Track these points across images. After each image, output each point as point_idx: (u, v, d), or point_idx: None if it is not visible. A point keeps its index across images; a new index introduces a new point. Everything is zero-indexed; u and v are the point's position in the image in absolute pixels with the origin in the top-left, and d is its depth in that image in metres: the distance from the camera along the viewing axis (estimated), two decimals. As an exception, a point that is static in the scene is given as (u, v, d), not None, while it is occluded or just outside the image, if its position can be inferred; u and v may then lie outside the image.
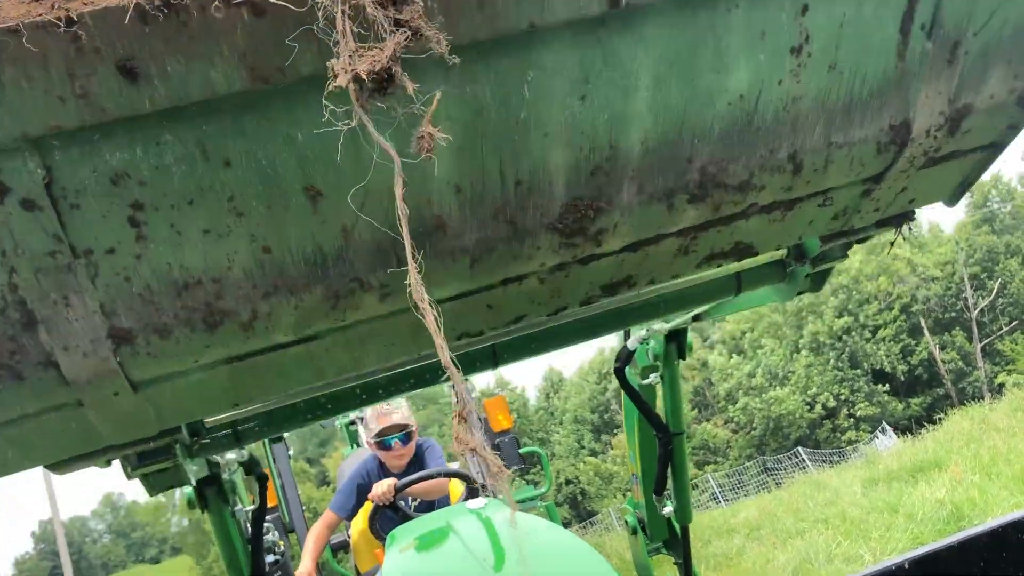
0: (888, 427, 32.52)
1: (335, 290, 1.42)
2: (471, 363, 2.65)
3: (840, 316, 37.16)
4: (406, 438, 4.35)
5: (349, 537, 4.82)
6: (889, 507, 9.11)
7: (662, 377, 3.36)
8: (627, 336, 3.42)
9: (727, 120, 1.48)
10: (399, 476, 4.16)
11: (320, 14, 1.08)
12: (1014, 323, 36.69)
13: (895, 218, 2.04)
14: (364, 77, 1.06)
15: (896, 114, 1.63)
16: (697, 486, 32.74)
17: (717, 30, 1.37)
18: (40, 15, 1.03)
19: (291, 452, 6.46)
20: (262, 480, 2.74)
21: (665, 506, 3.57)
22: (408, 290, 1.15)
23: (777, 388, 37.28)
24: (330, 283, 1.41)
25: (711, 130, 1.49)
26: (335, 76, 1.07)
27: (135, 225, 1.22)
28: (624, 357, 3.40)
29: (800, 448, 32.84)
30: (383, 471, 4.41)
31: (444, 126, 1.23)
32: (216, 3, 1.05)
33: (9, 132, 1.07)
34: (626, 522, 3.99)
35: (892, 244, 2.31)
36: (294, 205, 1.28)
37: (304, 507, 6.15)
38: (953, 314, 37.72)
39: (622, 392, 3.56)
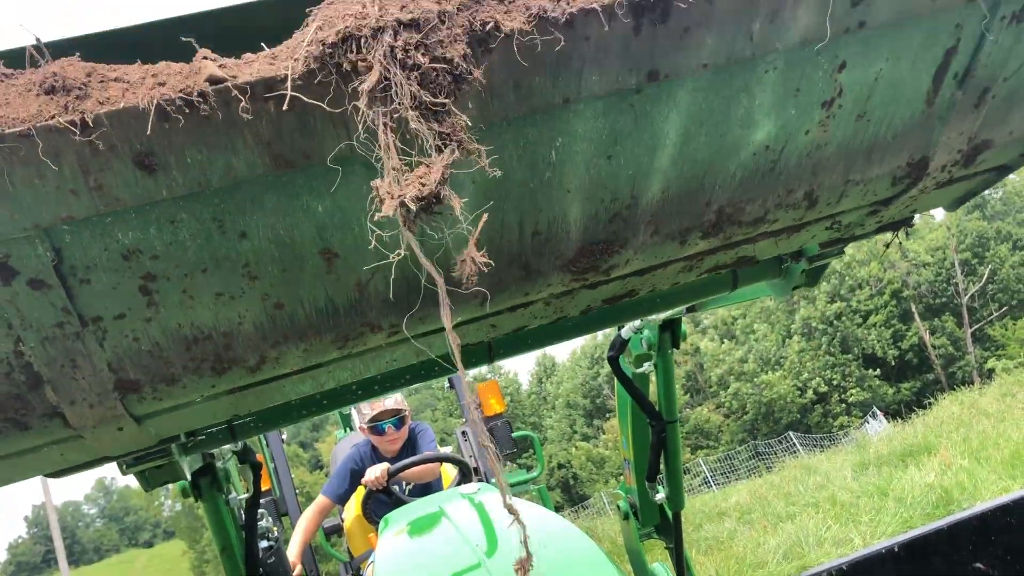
0: (879, 412, 32.71)
1: (345, 334, 1.42)
2: (467, 358, 2.65)
3: (832, 301, 37.29)
4: (399, 423, 4.36)
5: (343, 521, 4.84)
6: (879, 491, 9.19)
7: (655, 365, 3.37)
8: (621, 324, 3.43)
9: (750, 168, 1.48)
10: (392, 461, 4.17)
11: (360, 124, 1.04)
12: (1004, 309, 36.88)
13: (895, 223, 2.07)
14: (412, 206, 1.02)
15: (915, 152, 1.64)
16: (689, 470, 32.93)
17: (751, 90, 1.36)
18: (53, 117, 0.97)
19: (284, 436, 6.47)
20: (256, 468, 2.74)
21: (657, 492, 3.59)
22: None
23: (769, 373, 37.44)
24: (341, 329, 1.40)
25: (733, 177, 1.49)
26: (380, 199, 1.02)
27: (146, 293, 1.19)
28: (618, 345, 3.40)
29: (791, 433, 33.02)
30: (376, 456, 4.42)
31: (467, 188, 1.22)
32: (243, 102, 1.00)
33: (19, 224, 1.03)
34: (618, 507, 4.01)
35: (887, 245, 2.33)
36: (310, 267, 1.26)
37: (297, 491, 6.17)
38: (944, 299, 37.89)
39: (615, 379, 3.57)
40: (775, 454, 30.55)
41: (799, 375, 37.01)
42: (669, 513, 3.71)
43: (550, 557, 2.48)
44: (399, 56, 1.03)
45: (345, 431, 7.02)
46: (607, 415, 42.91)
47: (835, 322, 37.11)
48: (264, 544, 3.15)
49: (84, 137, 0.97)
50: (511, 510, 1.23)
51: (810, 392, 36.62)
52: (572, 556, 2.51)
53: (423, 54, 1.04)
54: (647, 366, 3.43)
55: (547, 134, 1.25)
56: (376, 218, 1.03)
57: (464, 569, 2.44)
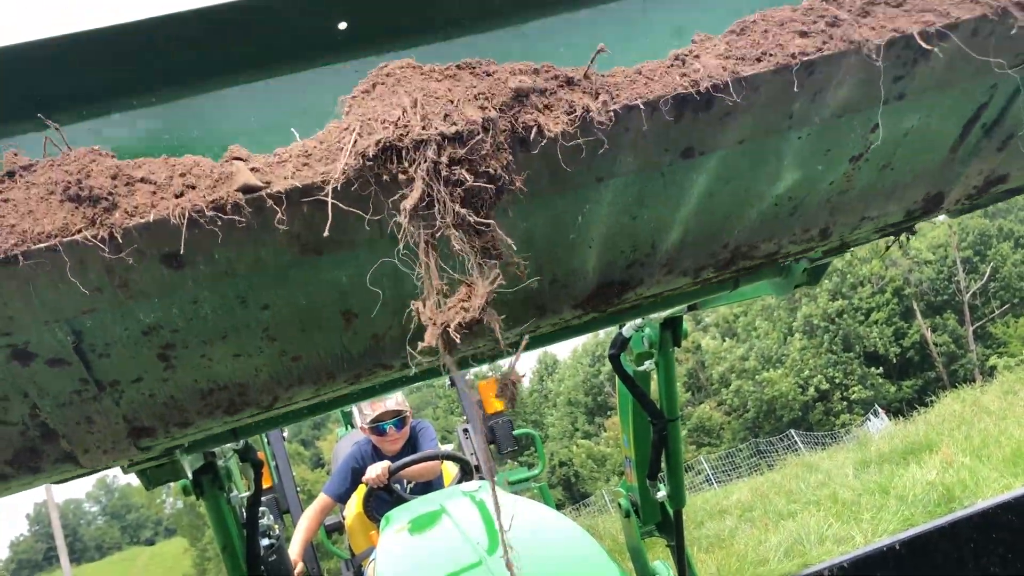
0: (880, 409, 32.68)
1: (358, 373, 1.44)
2: (467, 358, 2.67)
3: (834, 299, 37.25)
4: (400, 423, 4.36)
5: (344, 519, 4.84)
6: (881, 489, 9.18)
7: (657, 363, 3.37)
8: (622, 323, 3.42)
9: (769, 214, 1.50)
10: (393, 459, 4.17)
11: (401, 242, 1.02)
12: (1006, 306, 36.84)
13: (897, 231, 2.09)
14: (456, 336, 1.00)
15: (932, 189, 1.66)
16: (692, 467, 32.93)
17: (781, 152, 1.36)
18: (79, 231, 0.94)
19: (285, 434, 6.48)
20: (257, 467, 2.74)
21: (658, 490, 3.59)
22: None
23: (770, 371, 37.42)
24: (355, 370, 1.42)
25: (752, 222, 1.50)
26: (422, 322, 1.01)
27: (164, 360, 1.19)
28: (619, 343, 3.40)
29: (793, 431, 33.00)
30: (377, 455, 4.42)
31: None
32: (279, 213, 0.98)
33: (40, 318, 1.02)
34: (619, 505, 4.01)
35: (888, 246, 2.34)
36: (328, 326, 1.27)
37: (299, 489, 6.17)
38: (945, 297, 37.85)
39: (616, 377, 3.57)
40: (776, 452, 30.53)
41: (801, 373, 36.98)
42: (670, 511, 3.71)
43: (551, 555, 2.48)
44: (443, 173, 1.01)
45: (346, 428, 7.02)
46: (608, 413, 42.90)
47: (837, 320, 37.08)
48: (265, 542, 3.15)
49: (113, 253, 0.95)
50: (498, 505, 1.23)
51: (812, 390, 36.58)
52: (573, 554, 2.51)
53: (467, 169, 1.02)
54: (648, 364, 3.43)
55: (576, 204, 1.26)
56: (419, 348, 1.02)
57: (465, 567, 2.44)
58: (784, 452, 29.15)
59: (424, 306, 1.02)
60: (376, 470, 3.96)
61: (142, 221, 0.95)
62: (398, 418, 4.34)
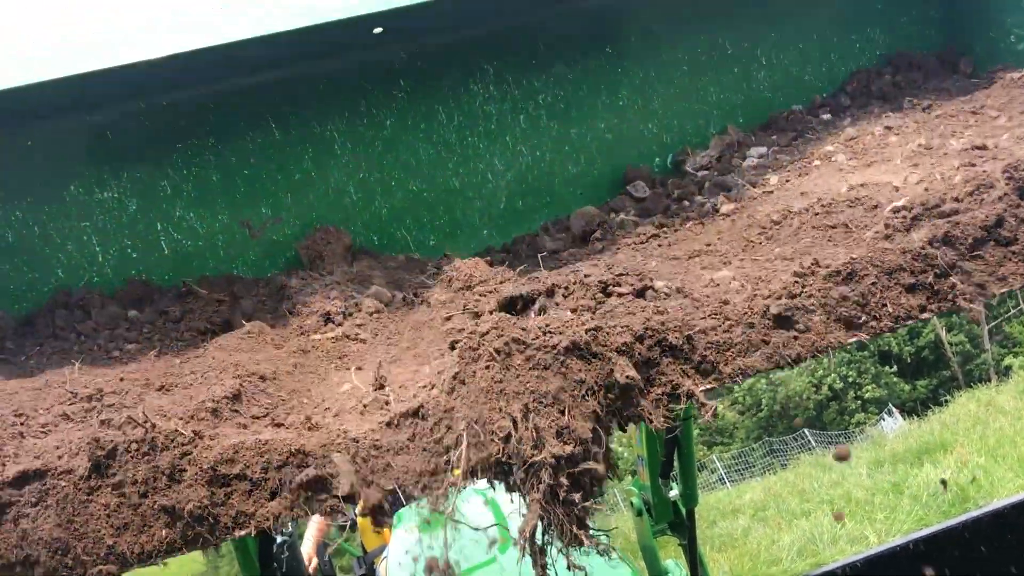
0: (894, 409, 32.48)
1: None
2: None
3: (847, 298, 37.03)
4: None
5: (356, 516, 4.85)
6: (894, 489, 9.13)
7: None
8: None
9: None
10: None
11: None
12: (1022, 305, 36.54)
13: None
14: None
15: None
16: (704, 466, 32.84)
17: None
18: None
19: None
20: None
21: (671, 489, 3.58)
22: None
23: (784, 369, 37.22)
24: None
25: None
26: None
27: None
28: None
29: (807, 430, 32.84)
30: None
31: None
32: None
33: None
34: (631, 503, 4.01)
35: None
36: None
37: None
38: (961, 296, 37.54)
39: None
40: (790, 451, 30.39)
41: (814, 372, 36.81)
42: (683, 510, 3.70)
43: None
44: (560, 496, 1.04)
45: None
46: (621, 412, 42.78)
47: (850, 319, 36.85)
48: (279, 539, 3.17)
49: None
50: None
51: (825, 389, 36.40)
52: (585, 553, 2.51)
53: (579, 486, 1.05)
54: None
55: None
56: None
57: (478, 564, 2.45)
58: (797, 451, 29.02)
59: None
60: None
61: None
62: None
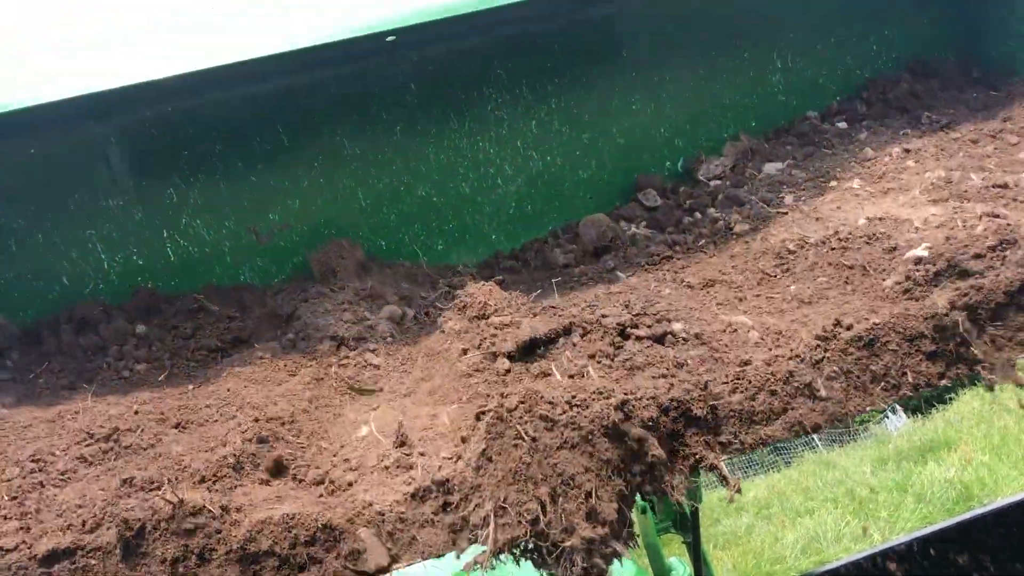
0: (898, 406, 32.42)
1: None
2: None
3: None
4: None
5: None
6: (898, 487, 9.14)
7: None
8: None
9: None
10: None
11: None
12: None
13: None
14: None
15: None
16: (707, 464, 32.75)
17: None
18: None
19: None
20: None
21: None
22: None
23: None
24: None
25: None
26: None
27: None
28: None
29: (810, 427, 32.70)
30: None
31: None
32: None
33: None
34: (635, 501, 4.03)
35: None
36: None
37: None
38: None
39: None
40: (793, 448, 30.34)
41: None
42: (687, 508, 3.73)
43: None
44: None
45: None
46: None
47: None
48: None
49: None
50: None
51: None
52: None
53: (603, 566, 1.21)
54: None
55: None
56: None
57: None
58: (801, 449, 28.96)
59: None
60: None
61: None
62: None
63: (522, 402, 1.26)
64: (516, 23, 2.98)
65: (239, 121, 2.90)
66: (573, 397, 1.36)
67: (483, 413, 1.34)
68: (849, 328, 1.82)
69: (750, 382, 1.71)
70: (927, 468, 9.42)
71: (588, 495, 1.15)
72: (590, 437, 1.28)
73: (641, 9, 3.25)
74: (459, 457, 1.31)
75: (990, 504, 4.16)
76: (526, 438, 1.19)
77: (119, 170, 2.80)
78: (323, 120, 2.98)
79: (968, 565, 3.65)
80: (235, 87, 2.80)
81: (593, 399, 1.39)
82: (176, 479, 1.56)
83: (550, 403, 1.31)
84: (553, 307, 2.18)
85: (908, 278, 2.01)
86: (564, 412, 1.30)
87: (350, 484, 1.57)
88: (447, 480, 1.27)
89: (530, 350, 1.78)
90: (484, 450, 1.20)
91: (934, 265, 2.02)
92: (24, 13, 2.75)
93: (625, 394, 1.42)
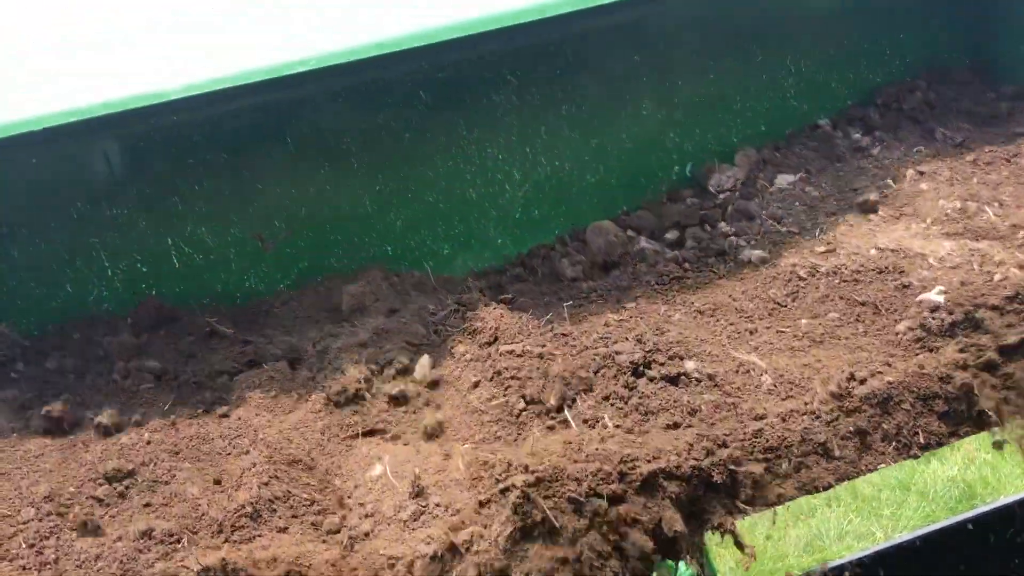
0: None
1: None
2: None
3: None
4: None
5: None
6: (901, 485, 9.13)
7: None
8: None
9: None
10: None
11: None
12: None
13: None
14: None
15: None
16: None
17: None
18: None
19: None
20: None
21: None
22: None
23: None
24: None
25: None
26: None
27: None
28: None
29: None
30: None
31: None
32: None
33: None
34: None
35: None
36: None
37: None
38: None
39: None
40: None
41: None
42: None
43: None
44: None
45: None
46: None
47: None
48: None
49: None
50: None
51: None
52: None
53: None
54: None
55: None
56: None
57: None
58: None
59: None
60: None
61: None
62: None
63: (547, 497, 1.30)
64: (527, 30, 2.97)
65: (245, 128, 2.88)
66: (598, 471, 1.39)
67: (507, 490, 1.37)
68: (863, 382, 1.85)
69: (767, 439, 1.73)
70: (930, 466, 9.39)
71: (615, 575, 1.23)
72: (615, 525, 1.33)
73: (651, 14, 3.22)
74: (482, 537, 1.34)
75: (993, 502, 4.16)
76: (555, 523, 1.24)
77: (123, 177, 2.79)
78: (330, 127, 2.96)
79: (971, 563, 3.66)
80: (241, 95, 2.79)
81: (617, 472, 1.43)
82: (194, 529, 1.57)
83: (576, 480, 1.35)
84: (564, 334, 2.16)
85: (922, 326, 2.02)
86: (588, 496, 1.35)
87: (366, 535, 1.59)
88: (469, 545, 1.31)
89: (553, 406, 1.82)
90: (511, 533, 1.25)
91: (950, 315, 2.03)
92: (24, 13, 2.75)
93: (648, 461, 1.47)
